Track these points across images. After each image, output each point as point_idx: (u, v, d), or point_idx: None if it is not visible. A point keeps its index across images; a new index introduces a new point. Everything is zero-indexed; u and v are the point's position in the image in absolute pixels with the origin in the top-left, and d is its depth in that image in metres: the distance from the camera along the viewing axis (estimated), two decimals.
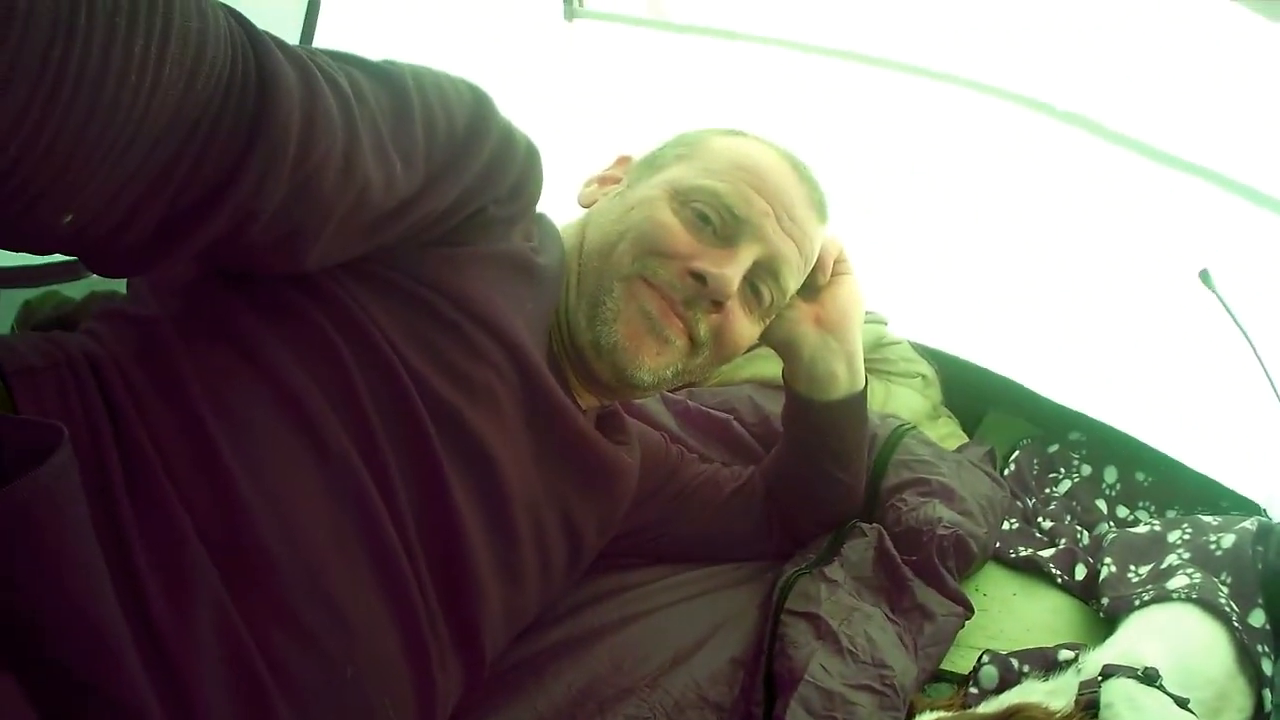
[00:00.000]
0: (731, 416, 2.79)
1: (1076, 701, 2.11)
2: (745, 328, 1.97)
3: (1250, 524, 2.70)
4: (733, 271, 1.81)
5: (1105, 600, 2.68)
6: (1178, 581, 2.53)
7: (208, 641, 1.17)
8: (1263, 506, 3.06)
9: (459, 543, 1.54)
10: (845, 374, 2.28)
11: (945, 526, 2.62)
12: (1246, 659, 2.33)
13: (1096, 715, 2.06)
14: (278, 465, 1.32)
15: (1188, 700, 2.10)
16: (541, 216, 1.84)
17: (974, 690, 2.43)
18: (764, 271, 1.92)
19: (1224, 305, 2.57)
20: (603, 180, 2.07)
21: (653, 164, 1.98)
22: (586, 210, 2.01)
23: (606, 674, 1.95)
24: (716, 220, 1.81)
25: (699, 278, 1.79)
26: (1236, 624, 2.36)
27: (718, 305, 1.84)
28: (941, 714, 2.17)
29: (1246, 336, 2.53)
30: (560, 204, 2.09)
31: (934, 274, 3.67)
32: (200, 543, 1.21)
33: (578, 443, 1.85)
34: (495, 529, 1.64)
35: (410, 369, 1.46)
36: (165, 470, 1.22)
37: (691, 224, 1.81)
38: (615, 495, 2.05)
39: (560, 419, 1.77)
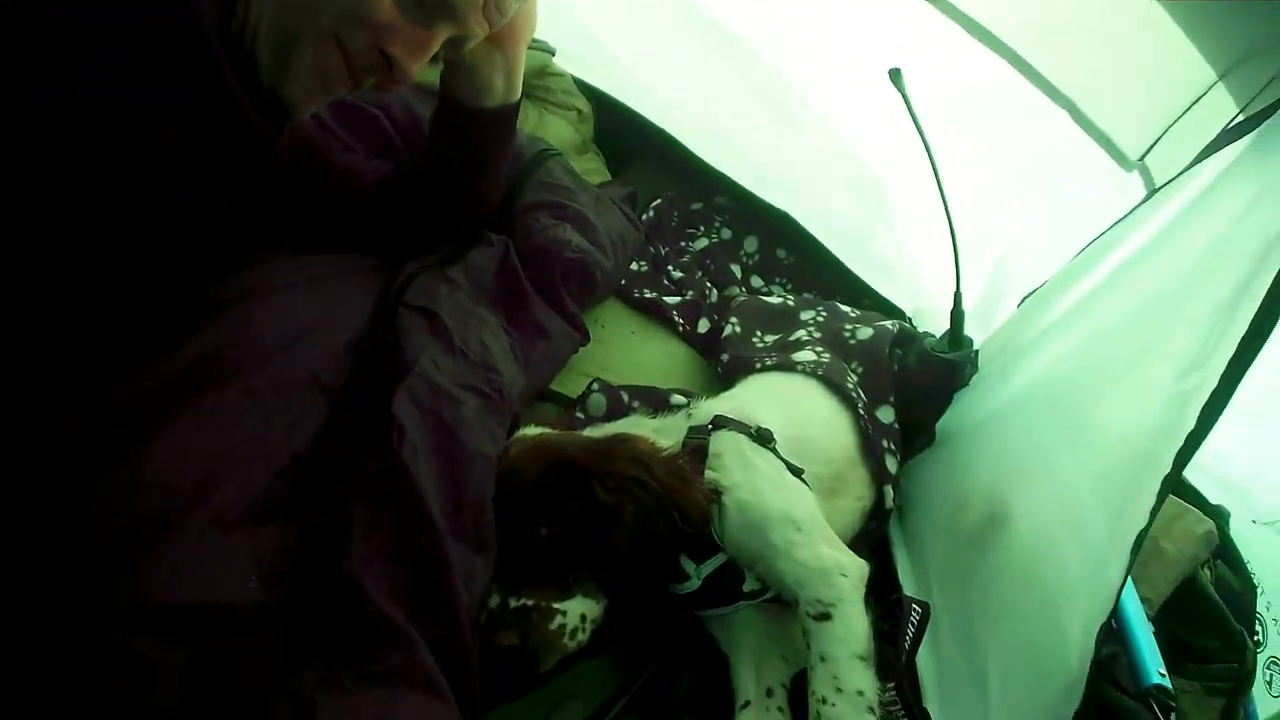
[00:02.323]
0: (382, 114, 2.67)
1: (684, 444, 2.08)
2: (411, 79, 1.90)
3: (891, 325, 2.76)
4: (419, 65, 1.80)
5: (725, 357, 2.69)
6: (804, 356, 2.55)
7: None
8: (909, 315, 3.17)
9: None
10: (502, 86, 2.21)
11: (573, 251, 2.60)
12: (870, 451, 2.39)
13: (704, 462, 2.05)
14: None
15: (802, 471, 2.12)
16: None
17: (580, 415, 2.41)
18: (450, 42, 1.87)
19: (908, 106, 2.57)
20: None
21: None
22: None
23: (225, 345, 1.77)
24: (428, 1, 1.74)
25: (388, 59, 1.74)
26: (863, 412, 2.40)
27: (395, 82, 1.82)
28: (546, 430, 2.11)
29: (925, 143, 2.56)
30: None
31: (611, 17, 3.52)
32: None
33: (229, 111, 1.73)
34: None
35: None
36: None
37: None
38: (255, 167, 1.92)
39: (214, 86, 1.66)
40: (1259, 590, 2.73)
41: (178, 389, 1.64)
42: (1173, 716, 2.16)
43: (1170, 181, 2.35)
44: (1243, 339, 1.64)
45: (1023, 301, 2.73)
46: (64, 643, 1.39)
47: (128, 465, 1.51)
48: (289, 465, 1.67)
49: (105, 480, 1.49)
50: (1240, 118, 2.19)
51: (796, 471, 2.10)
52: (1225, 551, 2.76)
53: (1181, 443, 1.67)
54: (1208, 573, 2.66)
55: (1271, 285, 1.64)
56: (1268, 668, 2.62)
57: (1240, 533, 2.81)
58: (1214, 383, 1.66)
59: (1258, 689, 2.50)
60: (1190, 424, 1.66)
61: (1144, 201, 2.48)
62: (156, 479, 1.52)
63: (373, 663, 1.53)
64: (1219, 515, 2.74)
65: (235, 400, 1.67)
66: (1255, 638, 2.57)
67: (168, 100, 1.59)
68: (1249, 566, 2.76)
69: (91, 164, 1.54)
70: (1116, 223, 2.48)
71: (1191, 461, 1.74)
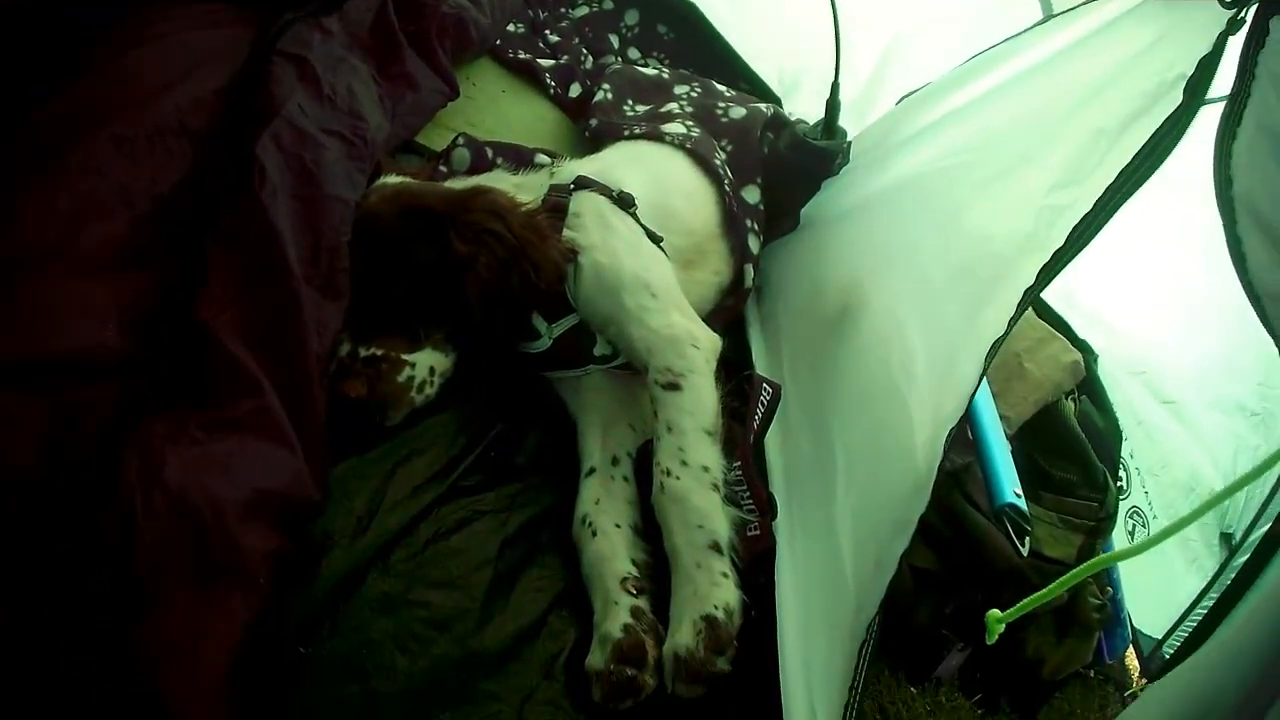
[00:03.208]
0: None
1: (544, 201, 2.05)
2: None
3: (765, 108, 2.72)
4: None
5: (594, 122, 2.64)
6: (674, 128, 2.51)
7: None
8: (781, 100, 3.13)
9: None
10: None
11: (449, 5, 2.53)
12: (732, 227, 2.38)
13: (562, 220, 2.02)
14: None
15: (661, 239, 2.12)
16: None
17: (443, 169, 2.36)
18: None
19: None
20: None
21: None
22: None
23: (95, 94, 1.68)
24: None
25: None
26: (728, 189, 2.39)
27: None
28: (407, 179, 2.05)
29: None
30: None
31: None
32: None
33: None
34: None
35: None
36: None
37: None
38: None
39: None
40: (1124, 436, 2.86)
41: (48, 139, 1.58)
42: (1027, 541, 2.27)
43: (1070, 10, 2.32)
44: (1124, 169, 1.66)
45: (901, 100, 2.71)
46: None
47: None
48: (153, 211, 1.62)
49: None
50: None
51: (655, 239, 2.10)
52: (1091, 389, 2.89)
53: (1048, 257, 1.69)
54: (1071, 405, 2.77)
55: (1161, 125, 1.66)
56: (1130, 517, 2.76)
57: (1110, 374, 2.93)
58: (1087, 206, 1.68)
59: (1118, 536, 2.64)
60: (1059, 240, 1.69)
61: (1040, 24, 2.46)
62: (22, 229, 1.47)
63: (221, 409, 1.51)
64: (1087, 350, 2.85)
65: (104, 148, 1.60)
66: (1119, 483, 2.69)
67: None
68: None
69: None
70: (1008, 39, 2.46)
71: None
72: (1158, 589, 2.71)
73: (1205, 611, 2.49)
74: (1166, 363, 2.93)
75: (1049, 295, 2.90)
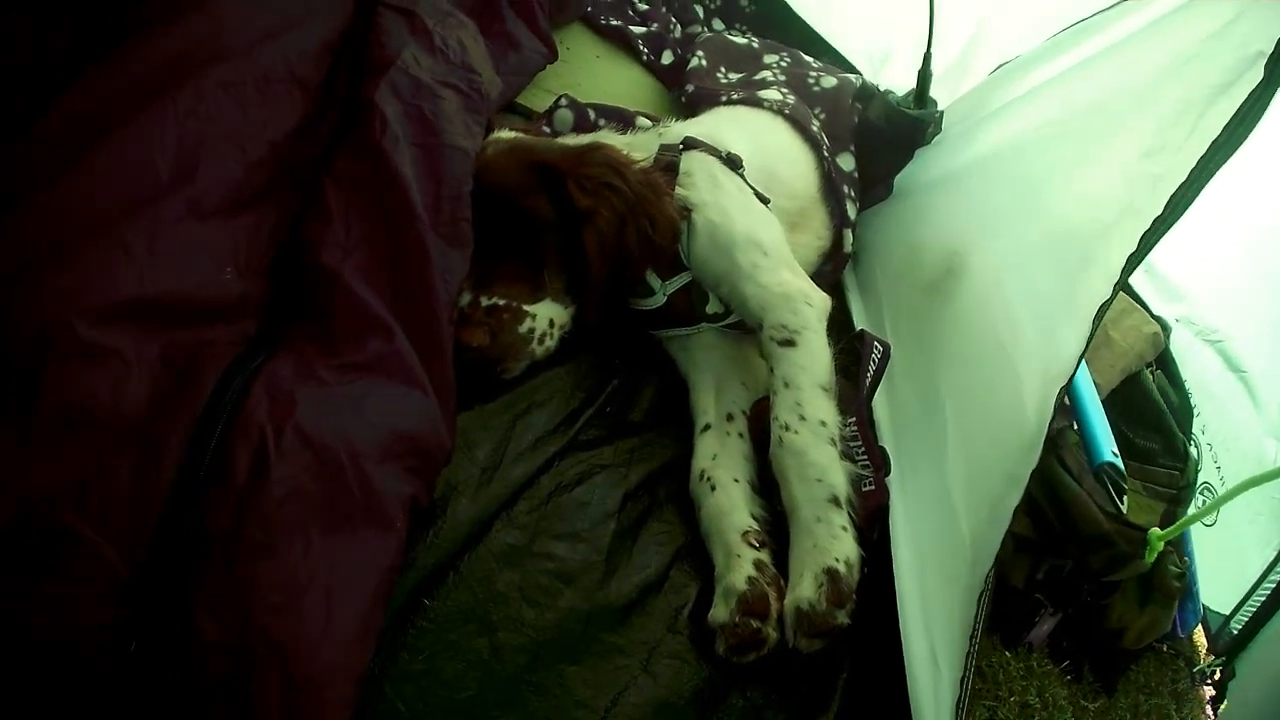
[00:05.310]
0: None
1: (656, 160, 2.05)
2: None
3: (854, 78, 2.72)
4: None
5: (690, 88, 2.65)
6: (771, 95, 2.51)
7: None
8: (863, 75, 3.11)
9: None
10: None
11: None
12: (831, 192, 2.39)
13: (674, 179, 2.02)
14: None
15: (769, 200, 2.12)
16: None
17: (547, 130, 2.36)
18: None
19: None
20: None
21: None
22: None
23: (200, 39, 1.63)
24: None
25: None
26: (826, 154, 2.40)
27: None
28: (520, 135, 2.05)
29: None
30: None
31: None
32: None
33: None
34: None
35: None
36: None
37: None
38: None
39: None
40: (1196, 412, 2.85)
41: (153, 82, 1.53)
42: (1125, 499, 2.27)
43: None
44: (1213, 143, 1.68)
45: (994, 71, 2.71)
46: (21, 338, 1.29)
47: (100, 155, 1.42)
48: (266, 156, 1.60)
49: (70, 172, 1.39)
50: None
51: (763, 200, 2.11)
52: (1165, 364, 2.89)
53: (1148, 225, 1.70)
54: (1151, 376, 2.78)
55: (1244, 100, 1.67)
56: (1201, 492, 2.75)
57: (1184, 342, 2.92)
58: (1183, 174, 1.69)
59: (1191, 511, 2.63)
60: (1158, 208, 1.70)
61: None
62: (130, 167, 1.43)
63: (349, 352, 1.50)
64: (1162, 325, 2.85)
65: (212, 92, 1.57)
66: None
67: None
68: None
69: None
70: (1098, 13, 2.45)
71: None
72: (1226, 565, 2.70)
73: (1272, 587, 2.50)
74: (1241, 332, 2.92)
75: None
